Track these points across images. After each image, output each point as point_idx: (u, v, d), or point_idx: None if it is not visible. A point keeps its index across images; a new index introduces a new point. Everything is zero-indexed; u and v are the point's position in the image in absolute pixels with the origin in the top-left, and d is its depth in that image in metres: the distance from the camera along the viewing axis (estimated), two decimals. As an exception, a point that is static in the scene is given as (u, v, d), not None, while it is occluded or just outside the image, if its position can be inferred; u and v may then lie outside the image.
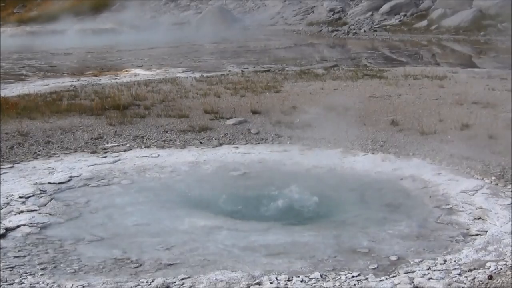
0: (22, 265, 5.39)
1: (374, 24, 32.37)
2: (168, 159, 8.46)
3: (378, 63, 20.40)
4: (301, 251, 5.61)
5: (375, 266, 5.30)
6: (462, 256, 5.44)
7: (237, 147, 9.00)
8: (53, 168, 8.04)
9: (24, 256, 5.56)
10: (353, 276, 5.07)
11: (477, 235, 5.92)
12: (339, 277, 5.06)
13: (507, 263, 5.19)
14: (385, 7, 33.22)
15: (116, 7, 41.86)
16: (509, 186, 7.06)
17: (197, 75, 16.71)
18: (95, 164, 8.19)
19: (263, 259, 5.44)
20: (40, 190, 7.21)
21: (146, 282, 5.02)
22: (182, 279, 5.06)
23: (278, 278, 5.03)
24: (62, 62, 22.42)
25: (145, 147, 9.01)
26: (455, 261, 5.34)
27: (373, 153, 8.50)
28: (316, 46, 27.41)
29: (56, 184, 7.43)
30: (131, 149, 8.91)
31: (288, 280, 5.01)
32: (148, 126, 9.89)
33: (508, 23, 27.54)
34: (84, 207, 6.82)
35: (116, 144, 9.12)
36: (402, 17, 32.33)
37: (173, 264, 5.40)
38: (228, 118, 10.27)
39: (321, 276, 5.07)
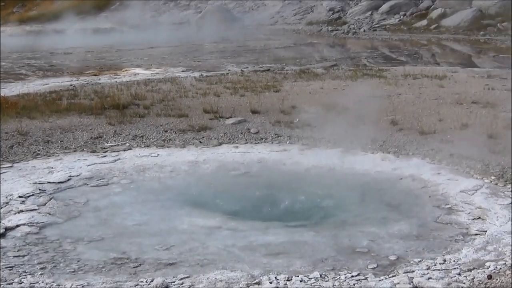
0: (21, 264, 5.38)
1: (374, 23, 32.38)
2: (167, 158, 8.45)
3: (377, 63, 20.39)
4: (300, 250, 5.61)
5: (375, 265, 5.29)
6: (462, 255, 5.44)
7: (237, 147, 8.99)
8: (52, 168, 8.04)
9: (24, 256, 5.56)
10: (352, 276, 5.07)
11: (476, 234, 5.92)
12: (338, 277, 5.06)
13: (507, 263, 5.18)
14: (385, 6, 33.24)
15: (116, 6, 41.87)
16: (509, 186, 7.06)
17: (197, 74, 16.72)
18: (94, 164, 8.19)
19: (262, 259, 5.44)
20: (40, 189, 7.21)
21: (146, 281, 5.02)
22: (182, 278, 5.06)
23: (277, 278, 5.02)
24: (61, 61, 22.43)
25: (144, 147, 9.01)
26: (454, 260, 5.34)
27: (372, 153, 8.50)
28: (315, 46, 27.40)
29: (55, 184, 7.43)
30: (130, 149, 8.91)
31: (288, 280, 5.00)
32: (148, 126, 9.89)
33: (508, 23, 27.56)
34: (84, 207, 6.81)
35: (115, 144, 9.12)
36: (401, 17, 32.35)
37: (172, 263, 5.40)
38: (227, 118, 10.27)
39: (320, 275, 5.07)
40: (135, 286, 4.97)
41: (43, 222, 6.30)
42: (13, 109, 10.82)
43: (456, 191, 7.02)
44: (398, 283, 4.91)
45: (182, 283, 4.98)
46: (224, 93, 12.57)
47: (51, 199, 6.95)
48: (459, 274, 5.06)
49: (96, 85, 14.69)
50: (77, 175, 7.74)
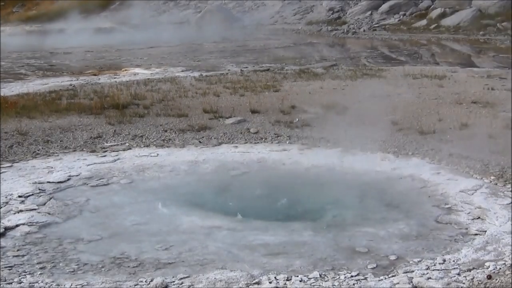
0: (21, 264, 5.38)
1: (374, 23, 32.38)
2: (167, 158, 8.45)
3: (377, 63, 20.39)
4: (300, 250, 5.60)
5: (374, 265, 5.29)
6: (461, 255, 5.44)
7: (236, 147, 8.99)
8: (52, 167, 8.03)
9: (23, 255, 5.55)
10: (352, 276, 5.07)
11: (476, 234, 5.92)
12: (338, 277, 5.06)
13: (506, 263, 5.18)
14: (385, 6, 33.26)
15: (116, 6, 41.88)
16: (508, 186, 7.06)
17: (197, 74, 16.72)
18: (94, 163, 8.19)
19: (262, 259, 5.44)
20: (39, 189, 7.21)
21: (145, 281, 5.02)
22: (181, 278, 5.05)
23: (277, 278, 5.02)
24: (61, 61, 22.42)
25: (144, 146, 9.01)
26: (454, 260, 5.34)
27: (372, 153, 8.50)
28: (315, 46, 27.40)
29: (55, 183, 7.42)
30: (130, 148, 8.91)
31: (287, 280, 5.00)
32: (147, 125, 9.89)
33: (508, 23, 27.57)
34: (83, 206, 6.81)
35: (115, 143, 9.12)
36: (401, 17, 32.36)
37: (172, 263, 5.40)
38: (227, 118, 10.27)
39: (320, 275, 5.07)
40: (135, 286, 4.97)
41: (42, 222, 6.30)
42: (13, 108, 10.82)
43: (456, 191, 7.02)
44: (398, 283, 4.91)
45: (182, 283, 4.98)
46: (223, 93, 12.57)
47: (50, 198, 6.95)
48: (458, 274, 5.06)
49: (95, 85, 14.68)
50: (77, 175, 7.74)
